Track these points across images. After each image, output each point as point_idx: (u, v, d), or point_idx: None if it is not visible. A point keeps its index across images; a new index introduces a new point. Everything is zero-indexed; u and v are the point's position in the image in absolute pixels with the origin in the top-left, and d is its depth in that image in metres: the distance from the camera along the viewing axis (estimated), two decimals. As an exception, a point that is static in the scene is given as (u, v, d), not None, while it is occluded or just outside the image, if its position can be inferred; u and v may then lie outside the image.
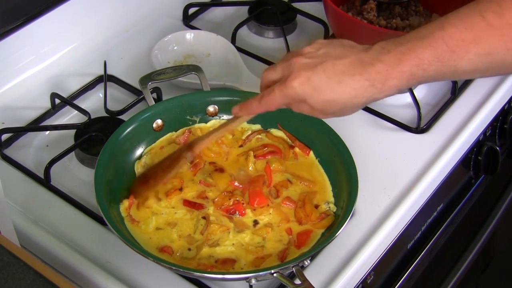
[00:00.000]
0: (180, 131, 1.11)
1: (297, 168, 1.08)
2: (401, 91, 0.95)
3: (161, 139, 1.10)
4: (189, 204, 1.01)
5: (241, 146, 1.10)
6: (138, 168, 1.06)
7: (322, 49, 0.93)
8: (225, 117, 1.12)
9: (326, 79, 0.89)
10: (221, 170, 1.06)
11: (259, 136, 1.11)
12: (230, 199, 1.01)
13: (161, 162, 1.04)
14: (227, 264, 0.94)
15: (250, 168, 1.06)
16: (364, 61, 0.89)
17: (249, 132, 1.11)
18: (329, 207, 1.02)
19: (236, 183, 1.04)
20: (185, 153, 1.02)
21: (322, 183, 1.06)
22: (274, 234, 0.98)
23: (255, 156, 1.07)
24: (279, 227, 0.99)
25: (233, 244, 0.96)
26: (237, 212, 1.00)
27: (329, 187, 1.05)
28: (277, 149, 1.10)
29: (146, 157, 1.07)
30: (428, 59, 0.86)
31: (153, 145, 1.09)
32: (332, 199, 1.03)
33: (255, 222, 1.00)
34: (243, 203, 1.01)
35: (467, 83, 1.28)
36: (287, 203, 1.02)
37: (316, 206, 1.02)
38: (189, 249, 0.96)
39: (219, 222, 0.99)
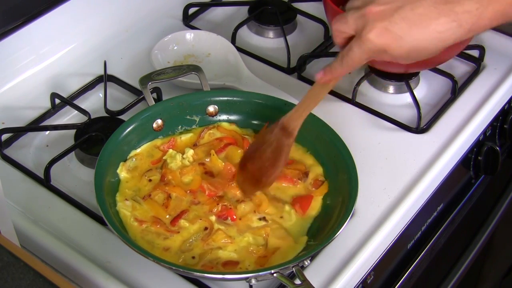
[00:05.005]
0: (165, 138, 1.09)
1: None
2: None
3: (145, 145, 1.07)
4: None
5: (195, 145, 1.09)
6: (122, 171, 1.03)
7: None
8: (225, 117, 1.13)
9: (406, 27, 0.82)
10: (211, 174, 1.04)
11: (211, 132, 1.10)
12: (218, 204, 1.00)
13: (258, 152, 0.99)
14: (228, 266, 0.94)
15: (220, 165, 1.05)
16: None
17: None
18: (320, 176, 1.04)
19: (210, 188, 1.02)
20: (285, 140, 0.97)
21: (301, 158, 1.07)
22: (274, 231, 0.98)
23: (216, 153, 1.06)
24: (279, 221, 0.99)
25: (235, 250, 0.96)
26: (229, 218, 0.99)
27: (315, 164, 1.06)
28: (232, 140, 1.09)
29: (131, 161, 1.05)
30: None
31: (138, 150, 1.06)
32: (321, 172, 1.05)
33: (261, 218, 0.99)
34: (230, 208, 0.99)
35: (467, 83, 1.28)
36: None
37: (306, 174, 1.03)
38: (193, 257, 0.95)
39: (224, 230, 0.97)
